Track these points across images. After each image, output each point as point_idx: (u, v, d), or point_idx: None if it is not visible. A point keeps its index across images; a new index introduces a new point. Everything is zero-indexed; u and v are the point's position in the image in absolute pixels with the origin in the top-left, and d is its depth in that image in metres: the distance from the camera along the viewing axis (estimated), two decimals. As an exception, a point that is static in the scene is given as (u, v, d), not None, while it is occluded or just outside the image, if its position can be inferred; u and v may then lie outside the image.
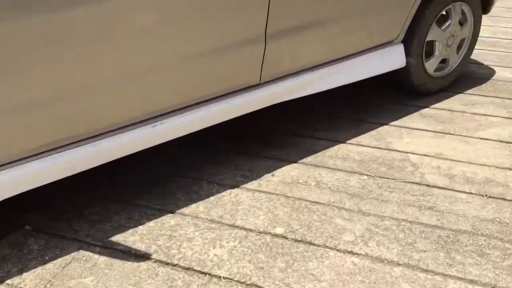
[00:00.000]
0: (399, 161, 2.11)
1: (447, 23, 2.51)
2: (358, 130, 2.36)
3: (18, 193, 1.57)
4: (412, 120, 2.46)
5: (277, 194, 1.90)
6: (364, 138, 2.29)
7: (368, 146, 2.23)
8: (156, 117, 1.72)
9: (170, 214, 1.81)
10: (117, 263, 1.58)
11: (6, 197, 1.55)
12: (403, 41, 2.37)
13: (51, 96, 1.42)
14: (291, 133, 2.34)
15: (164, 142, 1.84)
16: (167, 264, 1.58)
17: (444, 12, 2.51)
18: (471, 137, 2.30)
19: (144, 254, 1.62)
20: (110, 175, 2.03)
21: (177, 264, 1.58)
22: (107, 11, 1.41)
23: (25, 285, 1.52)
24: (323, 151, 2.19)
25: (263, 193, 1.91)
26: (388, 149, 2.20)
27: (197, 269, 1.56)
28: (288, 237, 1.68)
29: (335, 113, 2.52)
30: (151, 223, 1.76)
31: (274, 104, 2.15)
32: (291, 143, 2.25)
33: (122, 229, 1.74)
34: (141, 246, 1.65)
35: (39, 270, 1.57)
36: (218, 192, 1.92)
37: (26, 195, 1.79)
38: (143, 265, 1.57)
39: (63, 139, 1.54)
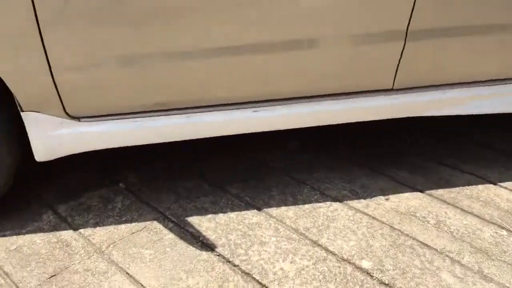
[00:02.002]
0: (562, 225, 1.60)
1: None
2: (520, 173, 1.87)
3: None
4: None
5: (382, 222, 1.59)
6: (524, 185, 1.80)
7: (525, 196, 1.74)
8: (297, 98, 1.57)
9: (256, 211, 1.64)
10: (181, 245, 1.48)
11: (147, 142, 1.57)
12: None
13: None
14: (429, 156, 1.96)
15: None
16: (228, 262, 1.42)
17: None
18: None
19: (210, 244, 1.49)
20: (213, 156, 1.95)
21: (237, 265, 1.41)
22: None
23: (93, 238, 1.51)
24: (462, 187, 1.77)
25: (366, 216, 1.62)
26: (553, 206, 1.69)
27: (255, 277, 1.37)
28: (374, 275, 1.38)
29: (494, 145, 2.05)
30: (232, 214, 1.62)
31: (416, 120, 1.81)
32: (425, 169, 1.88)
33: (202, 212, 1.63)
34: (211, 235, 1.52)
35: (111, 228, 1.56)
36: (317, 201, 1.69)
37: (131, 152, 1.80)
38: (204, 255, 1.44)
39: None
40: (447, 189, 1.76)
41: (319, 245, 1.49)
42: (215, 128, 1.56)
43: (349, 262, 1.42)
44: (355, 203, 1.68)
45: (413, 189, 1.76)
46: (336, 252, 1.46)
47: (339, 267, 1.41)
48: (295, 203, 1.68)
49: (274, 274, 1.38)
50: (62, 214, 1.63)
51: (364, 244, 1.49)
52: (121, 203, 1.68)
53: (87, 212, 1.64)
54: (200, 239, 1.51)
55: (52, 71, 1.36)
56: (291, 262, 1.42)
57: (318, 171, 1.86)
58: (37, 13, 1.26)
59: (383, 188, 1.76)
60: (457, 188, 1.77)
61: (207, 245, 1.48)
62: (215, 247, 1.48)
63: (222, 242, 1.50)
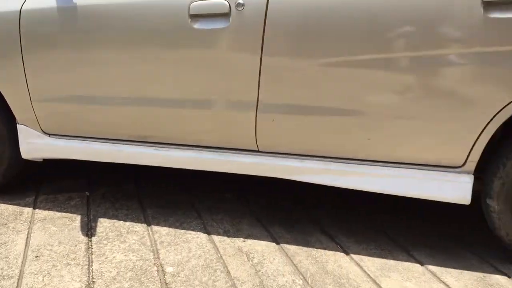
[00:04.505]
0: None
1: None
2: (390, 255, 1.98)
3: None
4: None
5: (218, 252, 1.95)
6: None
7: None
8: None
9: (141, 224, 2.17)
10: (76, 230, 2.10)
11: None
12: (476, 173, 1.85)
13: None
14: (320, 225, 2.20)
15: None
16: (88, 247, 1.98)
17: None
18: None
19: (94, 234, 2.07)
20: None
21: (91, 247, 1.96)
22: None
23: (37, 214, 2.25)
24: (313, 249, 2.00)
25: (212, 245, 2.00)
26: None
27: (95, 260, 1.90)
28: (172, 277, 1.78)
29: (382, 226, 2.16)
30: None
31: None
32: (305, 232, 2.15)
33: (118, 217, 2.23)
34: (102, 231, 2.11)
35: (52, 213, 2.27)
36: (192, 229, 2.13)
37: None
38: (82, 238, 2.04)
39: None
40: (301, 248, 2.01)
41: (158, 255, 1.94)
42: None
43: (161, 265, 1.85)
44: (217, 237, 2.07)
45: (274, 241, 2.06)
46: (161, 259, 1.89)
47: (150, 266, 1.84)
48: (178, 227, 2.15)
49: (106, 257, 1.89)
50: (38, 199, 2.42)
51: (186, 259, 1.89)
52: (75, 202, 2.40)
53: (52, 202, 2.40)
54: (92, 230, 2.11)
55: (32, 101, 2.21)
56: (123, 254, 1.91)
57: (219, 214, 2.29)
58: (24, 63, 2.14)
59: (252, 234, 2.11)
60: (310, 249, 2.00)
61: (92, 234, 2.08)
62: (93, 236, 2.06)
63: (102, 235, 2.07)
